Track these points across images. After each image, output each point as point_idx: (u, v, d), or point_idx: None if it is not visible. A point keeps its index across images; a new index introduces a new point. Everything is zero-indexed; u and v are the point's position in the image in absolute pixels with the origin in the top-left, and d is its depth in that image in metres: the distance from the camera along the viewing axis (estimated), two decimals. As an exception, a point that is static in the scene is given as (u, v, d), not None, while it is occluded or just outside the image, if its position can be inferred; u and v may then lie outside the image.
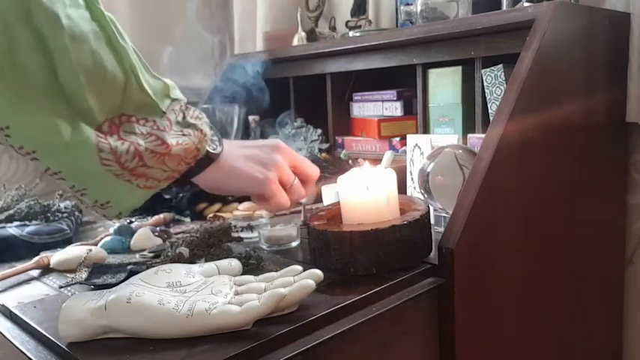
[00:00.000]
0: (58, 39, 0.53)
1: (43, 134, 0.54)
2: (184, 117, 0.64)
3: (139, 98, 0.60)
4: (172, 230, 0.99)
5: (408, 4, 1.19)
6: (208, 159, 0.65)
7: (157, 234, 0.93)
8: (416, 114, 1.16)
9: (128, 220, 1.10)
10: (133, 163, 0.58)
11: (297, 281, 0.60)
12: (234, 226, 0.89)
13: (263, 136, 1.42)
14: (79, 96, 0.55)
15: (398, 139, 1.21)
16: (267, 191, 0.70)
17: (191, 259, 0.76)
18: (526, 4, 0.92)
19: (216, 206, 1.15)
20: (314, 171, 0.76)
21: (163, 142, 0.60)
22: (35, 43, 0.52)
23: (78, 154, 0.56)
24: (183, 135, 0.62)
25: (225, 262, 0.69)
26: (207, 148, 0.65)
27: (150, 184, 0.61)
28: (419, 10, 1.07)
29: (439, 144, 0.97)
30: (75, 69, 0.54)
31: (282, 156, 0.71)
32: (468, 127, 1.06)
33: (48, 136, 0.54)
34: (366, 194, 0.74)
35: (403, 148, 1.16)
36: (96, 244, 0.90)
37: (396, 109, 1.23)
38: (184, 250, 0.77)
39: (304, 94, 1.44)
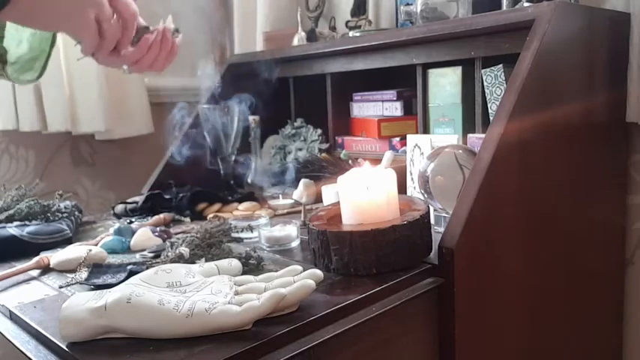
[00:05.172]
0: None
1: None
2: None
3: None
4: (172, 230, 0.99)
5: (408, 4, 1.19)
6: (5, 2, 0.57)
7: (157, 234, 0.93)
8: (416, 114, 1.16)
9: (128, 221, 1.10)
10: None
11: (297, 281, 0.60)
12: (234, 226, 0.89)
13: (263, 136, 1.42)
14: None
15: (398, 139, 1.21)
16: (81, 34, 0.65)
17: (191, 259, 0.76)
18: (526, 4, 0.92)
19: (216, 206, 1.15)
20: (130, 11, 0.68)
21: None
22: None
23: None
24: None
25: (225, 262, 0.69)
26: None
27: None
28: (419, 10, 1.07)
29: (439, 144, 0.97)
30: None
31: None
32: (468, 127, 1.06)
33: None
34: (366, 194, 0.74)
35: (403, 148, 1.16)
36: (96, 244, 0.90)
37: (396, 109, 1.23)
38: (184, 250, 0.77)
39: (304, 94, 1.44)
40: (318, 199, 1.06)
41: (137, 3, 0.71)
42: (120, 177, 1.72)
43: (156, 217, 1.09)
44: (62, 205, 1.03)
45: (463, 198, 0.75)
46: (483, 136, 0.82)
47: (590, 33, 0.94)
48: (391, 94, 1.24)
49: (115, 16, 0.67)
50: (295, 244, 0.87)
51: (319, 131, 1.37)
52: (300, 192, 1.04)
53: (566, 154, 0.91)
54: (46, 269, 0.82)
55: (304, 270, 0.64)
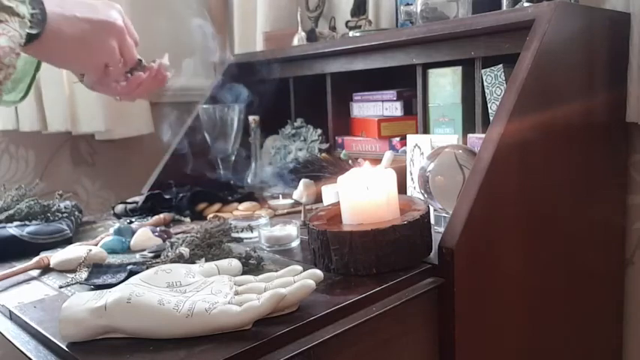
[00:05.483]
0: None
1: None
2: None
3: None
4: (172, 230, 0.99)
5: (408, 4, 1.19)
6: (32, 39, 0.60)
7: (157, 234, 0.93)
8: (416, 114, 1.16)
9: (128, 221, 1.10)
10: None
11: (297, 281, 0.60)
12: (234, 226, 0.89)
13: (263, 136, 1.42)
14: None
15: (398, 139, 1.21)
16: (88, 73, 0.72)
17: (191, 259, 0.76)
18: (526, 4, 0.92)
19: (216, 206, 1.15)
20: (132, 58, 0.74)
21: None
22: None
23: None
24: (1, 22, 0.55)
25: (225, 262, 0.69)
26: (29, 30, 0.59)
27: None
28: (419, 10, 1.07)
29: (439, 144, 0.97)
30: None
31: (114, 38, 0.70)
32: (468, 127, 1.06)
33: None
34: (366, 194, 0.74)
35: (403, 148, 1.16)
36: (96, 244, 0.90)
37: (396, 109, 1.23)
38: (184, 250, 0.77)
39: (304, 94, 1.44)
40: (318, 199, 1.06)
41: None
42: (120, 177, 1.72)
43: (156, 217, 1.09)
44: (62, 205, 1.03)
45: (463, 198, 0.75)
46: (483, 136, 0.82)
47: (590, 33, 0.94)
48: (391, 94, 1.24)
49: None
50: (295, 244, 0.87)
51: (319, 131, 1.37)
52: (300, 192, 1.04)
53: (566, 154, 0.91)
54: (46, 269, 0.82)
55: (304, 270, 0.64)
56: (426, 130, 1.14)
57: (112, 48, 0.70)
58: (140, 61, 0.77)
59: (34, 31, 0.60)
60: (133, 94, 0.78)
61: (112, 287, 0.61)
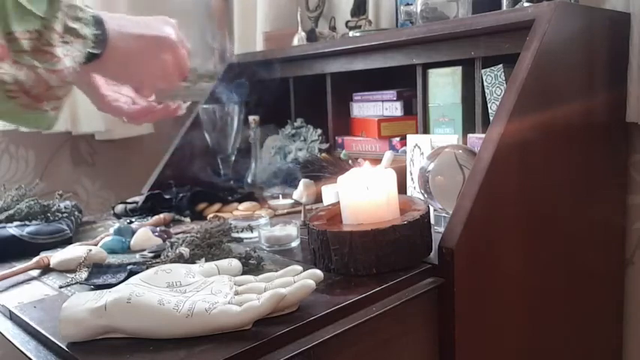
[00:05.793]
0: None
1: None
2: (65, 22, 0.57)
3: (17, 9, 0.54)
4: (172, 230, 0.99)
5: (408, 4, 1.19)
6: (92, 58, 0.62)
7: (157, 234, 0.93)
8: (416, 114, 1.16)
9: (128, 221, 1.10)
10: (38, 89, 0.55)
11: (297, 281, 0.60)
12: (234, 226, 0.89)
13: (263, 136, 1.42)
14: None
15: (398, 139, 1.21)
16: (146, 91, 0.74)
17: (191, 259, 0.76)
18: (526, 4, 0.92)
19: (216, 206, 1.15)
20: (186, 69, 0.75)
21: (57, 57, 0.56)
22: None
23: None
24: (65, 43, 0.57)
25: (225, 262, 0.69)
26: (92, 50, 0.61)
27: (54, 104, 0.58)
28: (419, 10, 1.07)
29: (439, 144, 0.97)
30: None
31: (169, 53, 0.71)
32: (468, 127, 1.06)
33: None
34: (366, 194, 0.74)
35: (403, 148, 1.16)
36: (96, 244, 0.90)
37: (396, 109, 1.23)
38: (184, 250, 0.77)
39: (304, 94, 1.44)
40: (318, 199, 1.06)
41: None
42: (120, 177, 1.72)
43: (156, 217, 1.08)
44: (62, 205, 1.03)
45: (463, 198, 0.75)
46: (483, 136, 0.82)
47: (590, 33, 0.94)
48: (391, 94, 1.24)
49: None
50: (295, 244, 0.87)
51: (319, 131, 1.37)
52: (300, 192, 1.04)
53: (566, 154, 0.91)
54: (46, 269, 0.82)
55: (304, 270, 0.64)
56: (426, 130, 1.14)
57: (166, 62, 0.71)
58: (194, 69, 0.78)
59: (96, 51, 0.62)
60: (140, 120, 0.79)
61: (112, 287, 0.61)
